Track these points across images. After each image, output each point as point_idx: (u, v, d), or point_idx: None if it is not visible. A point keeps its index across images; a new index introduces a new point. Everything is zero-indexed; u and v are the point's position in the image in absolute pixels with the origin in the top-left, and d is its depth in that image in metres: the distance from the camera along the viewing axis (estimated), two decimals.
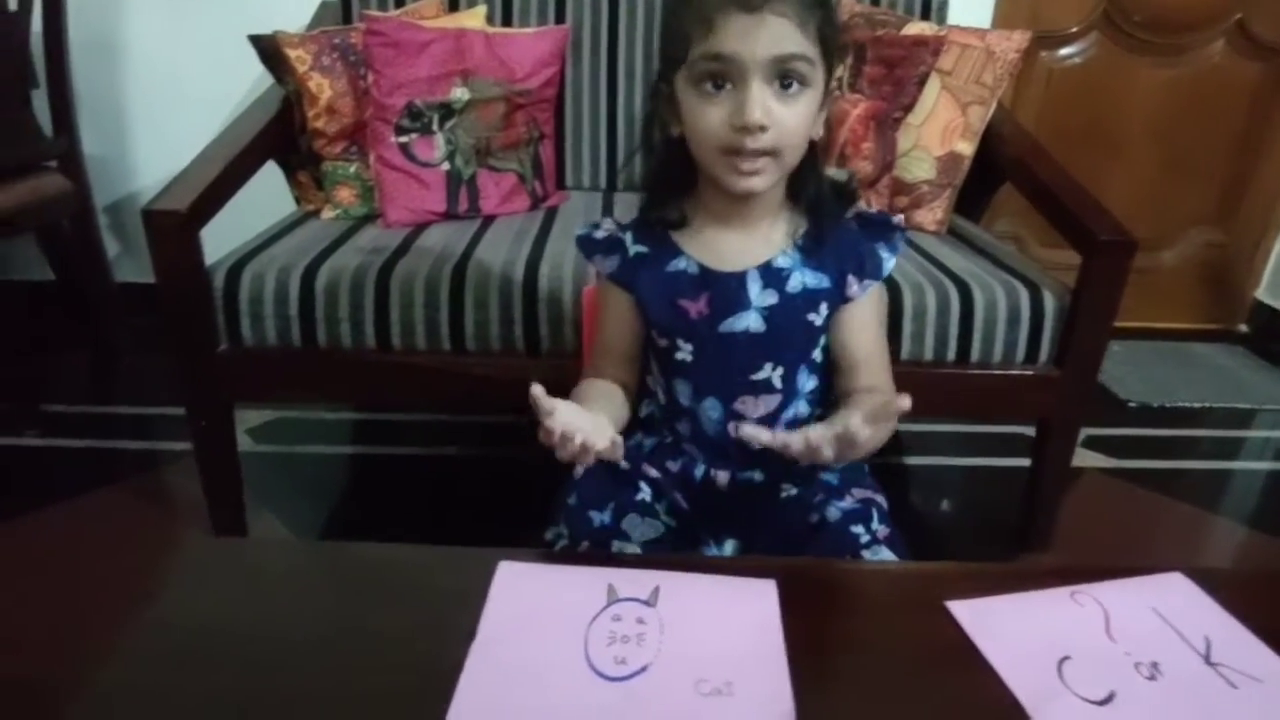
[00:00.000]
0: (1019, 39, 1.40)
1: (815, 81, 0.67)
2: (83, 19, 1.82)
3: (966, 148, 1.42)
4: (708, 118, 0.66)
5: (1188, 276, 2.36)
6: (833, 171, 0.78)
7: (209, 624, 0.53)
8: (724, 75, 0.65)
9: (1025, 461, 1.33)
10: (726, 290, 0.74)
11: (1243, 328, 2.41)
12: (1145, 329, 2.26)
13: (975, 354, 1.18)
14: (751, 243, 0.75)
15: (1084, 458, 1.59)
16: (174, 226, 1.08)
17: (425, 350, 1.17)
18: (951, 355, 1.18)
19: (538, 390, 0.60)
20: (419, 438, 1.66)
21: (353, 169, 1.41)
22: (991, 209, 1.69)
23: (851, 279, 0.75)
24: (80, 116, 1.84)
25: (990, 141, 1.44)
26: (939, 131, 1.42)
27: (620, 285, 0.78)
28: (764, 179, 0.68)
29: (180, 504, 1.37)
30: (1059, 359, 1.19)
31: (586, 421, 0.62)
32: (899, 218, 0.78)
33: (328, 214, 1.41)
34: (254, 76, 1.86)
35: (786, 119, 0.66)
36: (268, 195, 1.43)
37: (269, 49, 1.38)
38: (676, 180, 0.75)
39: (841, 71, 0.65)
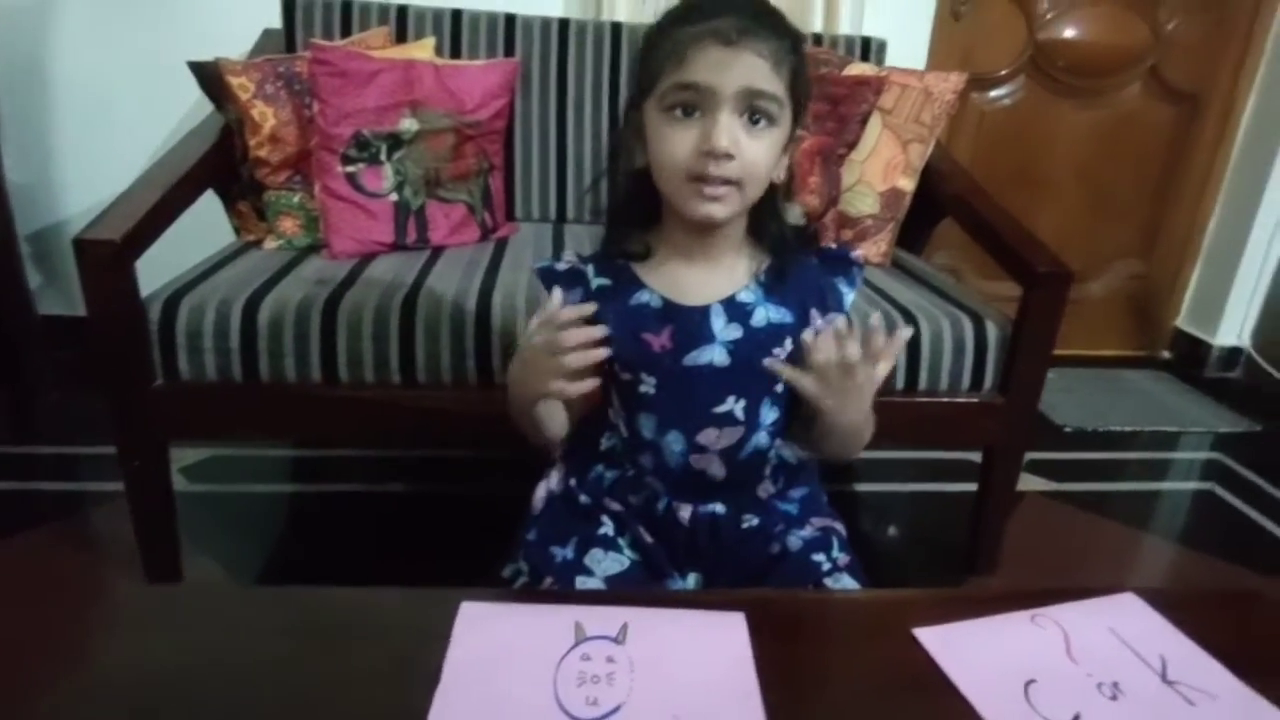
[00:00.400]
0: (955, 80, 1.46)
1: (782, 122, 0.69)
2: (7, 39, 1.76)
3: (908, 183, 1.47)
4: (674, 143, 0.67)
5: (1114, 307, 2.48)
6: (790, 214, 0.79)
7: (153, 677, 0.50)
8: (694, 104, 0.66)
9: (969, 486, 1.36)
10: (690, 324, 0.74)
11: (1165, 354, 2.53)
12: (1076, 356, 2.36)
13: (923, 383, 1.21)
14: (714, 277, 0.75)
15: (1024, 481, 1.63)
16: (107, 257, 1.03)
17: (374, 383, 1.14)
18: (900, 384, 1.20)
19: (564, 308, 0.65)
20: (362, 474, 1.61)
21: (296, 199, 1.38)
22: (930, 242, 1.75)
23: (815, 313, 0.76)
24: (2, 141, 1.76)
25: (930, 178, 1.50)
26: (881, 168, 1.46)
27: None
28: (725, 207, 0.69)
29: (109, 548, 1.29)
30: (1003, 386, 1.22)
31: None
32: (858, 253, 0.80)
33: (270, 244, 1.37)
34: (188, 103, 1.82)
35: (752, 151, 0.67)
36: (203, 226, 1.38)
37: (210, 76, 1.34)
38: (640, 212, 0.75)
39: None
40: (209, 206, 1.42)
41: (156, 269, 1.16)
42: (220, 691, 0.50)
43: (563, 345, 0.64)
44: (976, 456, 1.34)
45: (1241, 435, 2.02)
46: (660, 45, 0.67)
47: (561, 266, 0.78)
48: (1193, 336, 2.46)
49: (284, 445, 1.69)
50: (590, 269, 0.77)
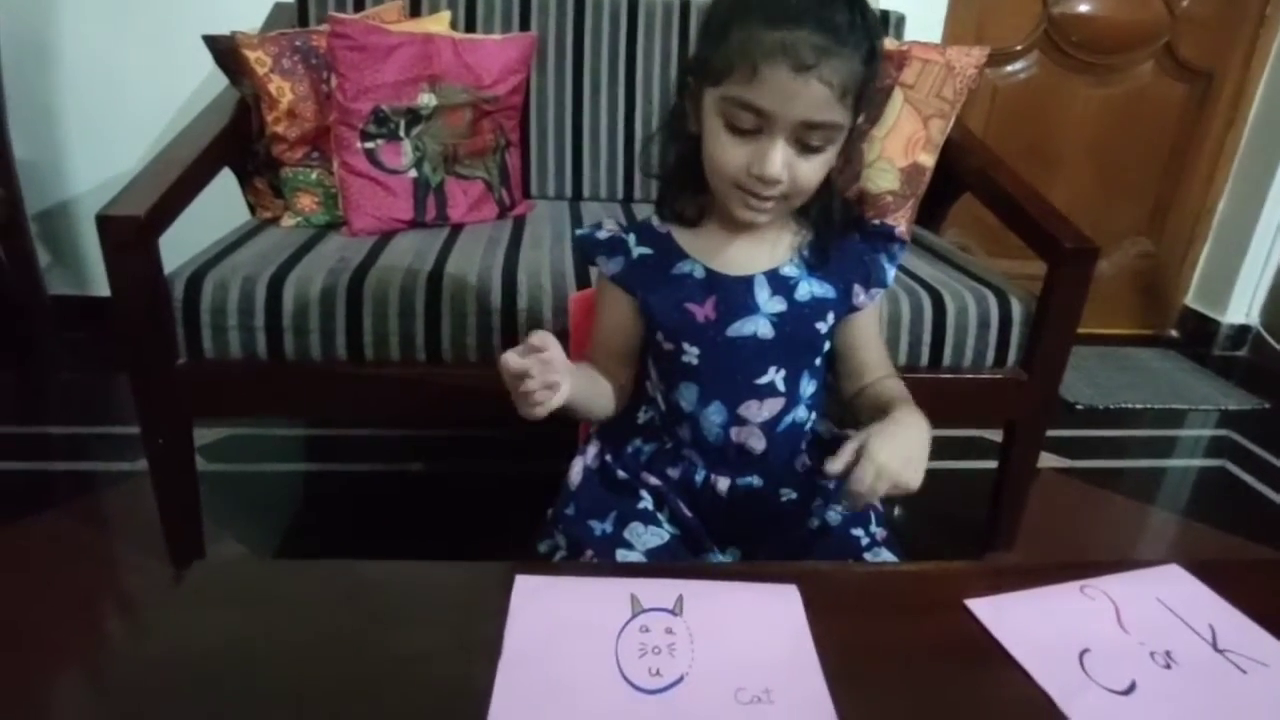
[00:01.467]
0: (977, 55, 1.44)
1: (839, 139, 0.68)
2: (13, 16, 1.73)
3: (928, 159, 1.46)
4: (727, 154, 0.67)
5: (1123, 285, 2.48)
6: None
7: (210, 652, 0.50)
8: (753, 125, 0.65)
9: (983, 463, 1.36)
10: (733, 294, 0.74)
11: (1173, 333, 2.54)
12: (1086, 335, 2.35)
13: (947, 359, 1.21)
14: (758, 249, 0.75)
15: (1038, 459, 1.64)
16: (131, 233, 1.02)
17: (399, 361, 1.14)
18: (925, 361, 1.21)
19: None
20: (381, 454, 1.61)
21: (314, 175, 1.37)
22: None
23: (858, 288, 0.76)
24: (10, 119, 1.74)
25: (949, 153, 1.48)
26: (903, 143, 1.45)
27: (622, 287, 0.77)
28: (769, 216, 0.71)
29: (129, 527, 1.29)
30: (1026, 363, 1.22)
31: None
32: (900, 229, 0.79)
33: (288, 222, 1.36)
34: (197, 80, 1.80)
35: (803, 173, 0.67)
36: (215, 204, 1.37)
37: (226, 50, 1.32)
38: (692, 178, 0.75)
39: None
40: (218, 184, 1.41)
41: (168, 248, 1.14)
42: (281, 667, 0.49)
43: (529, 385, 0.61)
44: (991, 433, 1.34)
45: (1251, 413, 2.03)
46: (733, 34, 0.63)
47: (602, 235, 0.77)
48: (1201, 315, 2.46)
49: (301, 425, 1.69)
50: (631, 238, 0.77)
